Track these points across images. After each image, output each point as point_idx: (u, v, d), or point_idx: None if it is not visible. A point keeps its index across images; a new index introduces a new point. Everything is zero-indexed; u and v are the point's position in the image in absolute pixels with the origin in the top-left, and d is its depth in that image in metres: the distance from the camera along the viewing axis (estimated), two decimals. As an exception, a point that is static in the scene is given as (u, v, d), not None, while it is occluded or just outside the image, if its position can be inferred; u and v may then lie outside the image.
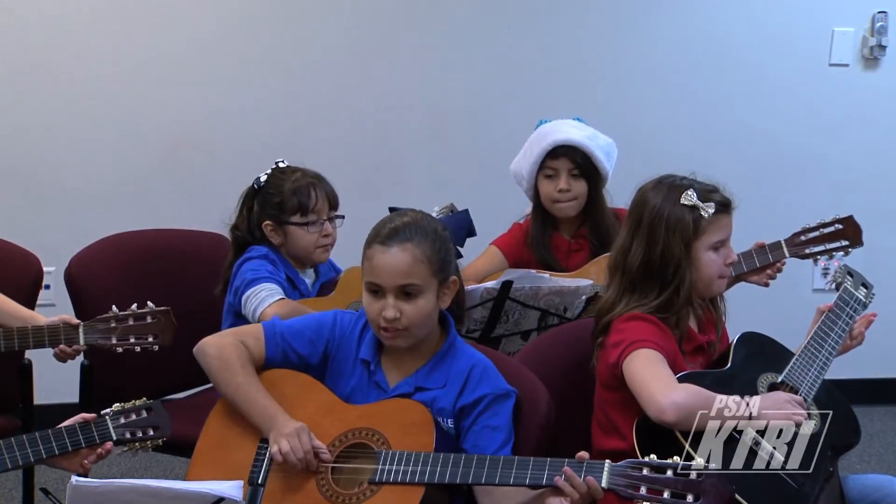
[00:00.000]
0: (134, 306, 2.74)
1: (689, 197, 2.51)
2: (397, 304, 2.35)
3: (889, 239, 4.77)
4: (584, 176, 3.33)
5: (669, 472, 2.03)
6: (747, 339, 2.64)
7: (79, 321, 2.74)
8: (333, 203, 3.18)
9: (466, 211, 2.71)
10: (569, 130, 3.35)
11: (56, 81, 4.26)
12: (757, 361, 2.59)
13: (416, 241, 2.35)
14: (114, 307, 2.74)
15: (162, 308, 2.75)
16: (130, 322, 2.73)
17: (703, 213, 2.50)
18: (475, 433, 2.37)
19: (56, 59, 4.25)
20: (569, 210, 3.36)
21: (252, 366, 2.45)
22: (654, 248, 2.51)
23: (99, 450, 2.36)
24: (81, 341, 2.72)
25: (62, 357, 2.79)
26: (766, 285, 3.23)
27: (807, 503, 2.39)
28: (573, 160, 3.31)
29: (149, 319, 2.74)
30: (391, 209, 2.55)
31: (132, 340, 2.73)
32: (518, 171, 3.42)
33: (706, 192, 2.53)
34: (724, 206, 2.55)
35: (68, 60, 4.26)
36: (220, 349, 2.45)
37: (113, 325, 2.72)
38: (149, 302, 2.75)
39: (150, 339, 2.74)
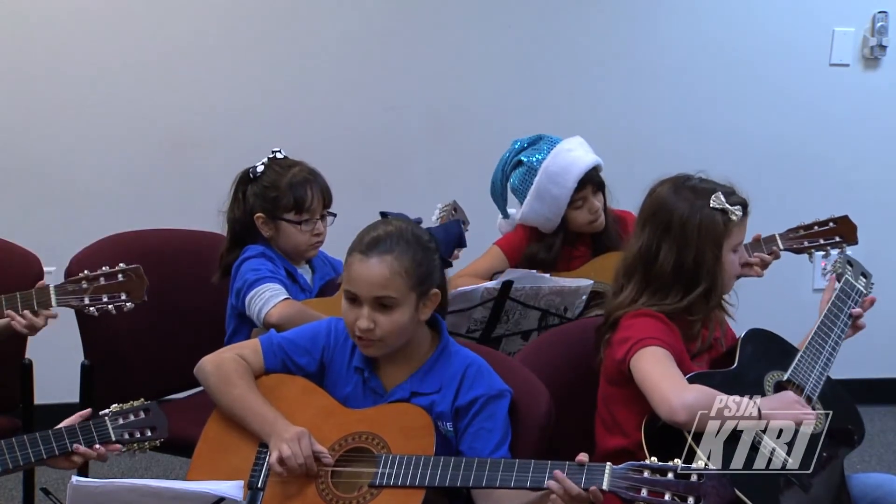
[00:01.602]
0: (105, 267, 2.72)
1: (719, 200, 2.51)
2: (372, 314, 2.34)
3: (890, 238, 4.77)
4: (601, 190, 3.36)
5: (670, 475, 2.04)
6: (753, 337, 2.64)
7: (49, 284, 2.71)
8: (327, 201, 3.16)
9: (458, 222, 2.69)
10: (577, 156, 3.33)
11: (56, 81, 4.26)
12: (763, 359, 2.59)
13: (396, 253, 2.33)
14: (85, 270, 2.72)
15: (132, 266, 2.73)
16: (102, 281, 2.70)
17: (732, 216, 2.51)
18: (471, 435, 2.36)
19: (56, 59, 4.25)
20: (602, 223, 3.38)
21: (251, 377, 2.44)
22: (687, 253, 2.51)
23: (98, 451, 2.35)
24: (53, 303, 2.69)
25: (30, 326, 2.70)
26: (759, 275, 3.22)
27: (809, 496, 2.39)
28: (592, 181, 3.32)
29: (120, 277, 2.71)
30: (382, 214, 2.52)
31: (105, 300, 2.70)
32: (538, 216, 3.37)
33: (729, 195, 2.53)
34: (745, 208, 2.55)
35: (68, 60, 4.26)
36: (217, 365, 2.45)
37: (84, 285, 2.69)
38: (120, 263, 2.73)
39: (123, 297, 2.71)
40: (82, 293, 2.70)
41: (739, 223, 2.53)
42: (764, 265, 3.19)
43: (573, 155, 3.33)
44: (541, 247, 3.40)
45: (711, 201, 2.50)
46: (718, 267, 2.52)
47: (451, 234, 2.57)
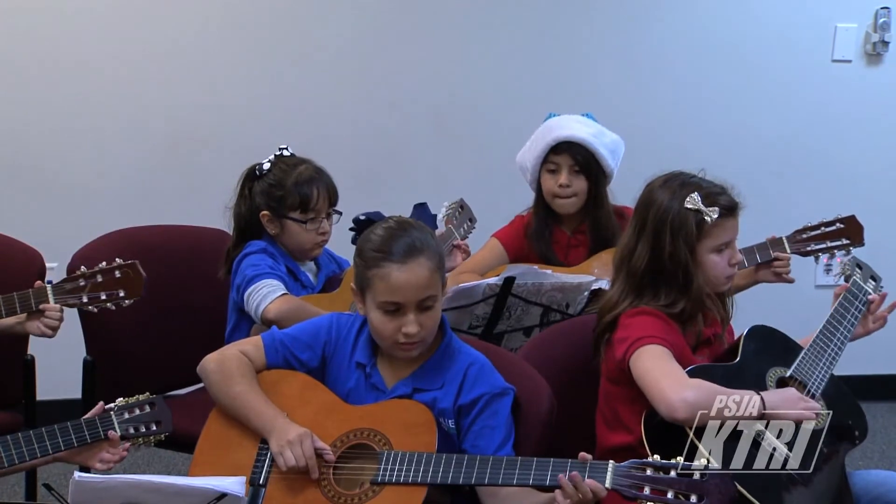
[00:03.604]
0: (102, 263, 2.73)
1: (694, 201, 2.49)
2: (418, 318, 2.33)
3: (893, 234, 4.76)
4: (585, 173, 3.33)
5: (673, 473, 2.03)
6: (757, 333, 2.62)
7: (45, 284, 2.72)
8: (333, 199, 3.15)
9: (425, 204, 2.70)
10: (574, 126, 3.35)
11: (59, 78, 4.26)
12: (766, 355, 2.58)
13: (426, 252, 2.34)
14: (83, 266, 2.73)
15: (129, 262, 2.73)
16: (99, 278, 2.71)
17: (706, 217, 2.49)
18: (474, 433, 2.36)
19: (59, 57, 4.25)
20: (568, 207, 3.36)
21: (253, 374, 2.44)
22: (661, 252, 2.50)
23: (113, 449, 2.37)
24: (51, 301, 2.69)
25: (42, 326, 2.72)
26: (790, 280, 3.19)
27: (811, 493, 2.39)
28: (574, 157, 3.31)
29: (117, 274, 2.72)
30: (357, 219, 2.50)
31: (103, 297, 2.71)
32: (523, 163, 3.43)
33: (712, 196, 2.51)
34: (730, 210, 2.53)
35: (71, 57, 4.26)
36: (220, 363, 2.45)
37: (82, 283, 2.70)
38: (117, 258, 2.74)
39: (121, 294, 2.72)
40: (80, 291, 2.70)
41: (720, 225, 2.51)
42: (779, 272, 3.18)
43: (571, 122, 3.37)
44: (541, 228, 3.41)
45: (686, 201, 2.49)
46: (696, 267, 2.50)
47: (428, 219, 2.62)
